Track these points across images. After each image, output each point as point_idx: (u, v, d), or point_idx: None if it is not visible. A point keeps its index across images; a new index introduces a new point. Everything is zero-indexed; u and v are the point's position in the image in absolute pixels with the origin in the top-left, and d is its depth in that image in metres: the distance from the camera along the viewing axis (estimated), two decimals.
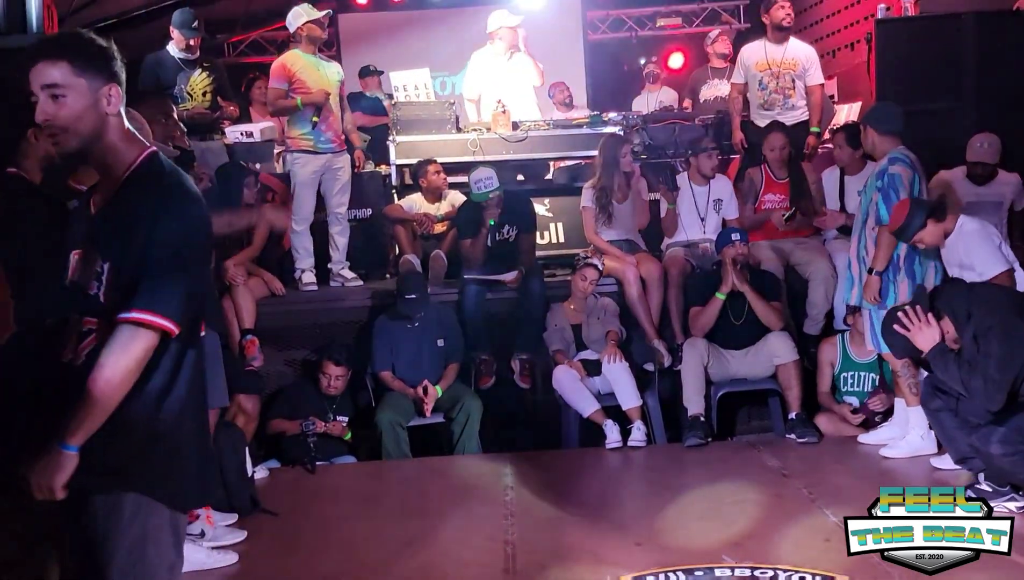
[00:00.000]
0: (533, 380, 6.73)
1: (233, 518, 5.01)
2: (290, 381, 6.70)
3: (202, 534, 4.61)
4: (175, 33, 7.25)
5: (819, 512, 4.82)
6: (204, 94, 7.33)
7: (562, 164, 8.82)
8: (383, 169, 8.24)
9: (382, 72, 9.71)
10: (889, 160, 5.57)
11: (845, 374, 6.25)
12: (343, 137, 7.46)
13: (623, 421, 6.17)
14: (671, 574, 4.11)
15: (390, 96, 8.74)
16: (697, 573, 4.11)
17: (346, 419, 6.28)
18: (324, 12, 7.34)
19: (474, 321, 6.70)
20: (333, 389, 6.27)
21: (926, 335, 4.72)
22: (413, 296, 6.42)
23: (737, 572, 4.10)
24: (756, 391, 6.44)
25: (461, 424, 6.26)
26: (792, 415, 6.08)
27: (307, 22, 7.23)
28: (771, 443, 6.16)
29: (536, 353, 6.70)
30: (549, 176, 8.73)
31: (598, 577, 4.15)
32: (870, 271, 5.58)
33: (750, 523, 4.72)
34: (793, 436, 6.04)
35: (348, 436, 6.26)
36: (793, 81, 7.70)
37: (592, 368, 6.33)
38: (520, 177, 8.62)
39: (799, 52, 7.76)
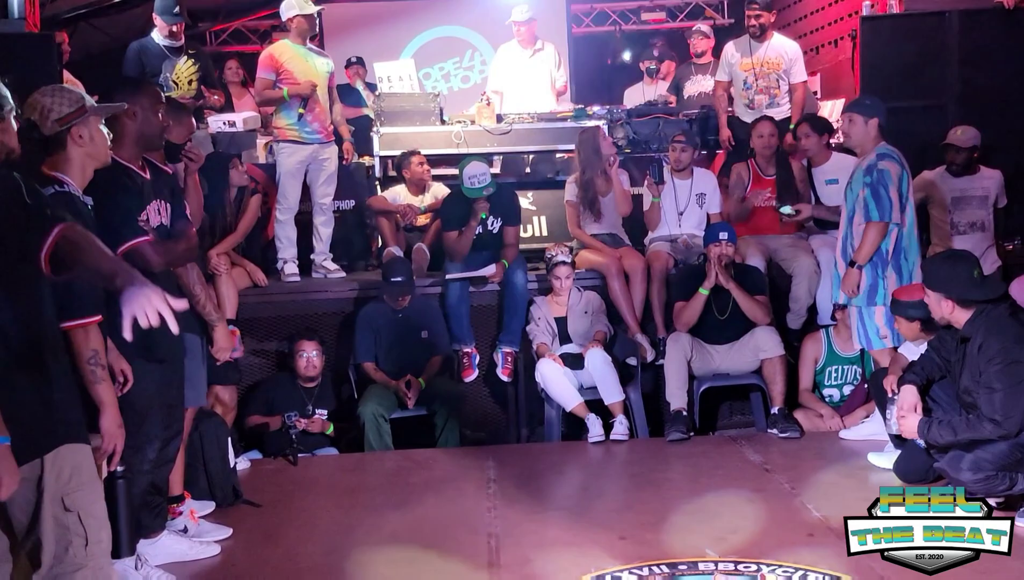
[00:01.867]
0: (515, 373, 6.72)
1: (210, 507, 4.98)
2: (269, 373, 6.66)
3: (185, 530, 4.58)
4: (158, 20, 7.17)
5: (802, 507, 4.84)
6: (190, 83, 7.25)
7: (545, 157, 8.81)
8: (366, 160, 8.21)
9: (363, 64, 9.69)
10: (878, 155, 5.53)
11: (829, 368, 6.32)
12: (330, 128, 7.41)
13: (605, 415, 6.17)
14: (654, 567, 4.11)
15: (373, 87, 8.70)
16: (680, 567, 4.11)
17: (326, 413, 6.24)
18: (318, 7, 7.28)
19: (457, 314, 6.68)
20: (312, 369, 6.22)
21: (909, 423, 4.72)
22: (399, 278, 6.40)
23: (720, 566, 4.11)
24: (738, 386, 6.45)
25: (444, 417, 6.25)
26: (775, 410, 6.09)
27: (297, 15, 7.18)
28: (753, 438, 6.17)
29: (519, 346, 6.70)
30: (551, 174, 8.68)
31: (581, 570, 4.14)
32: (851, 264, 5.57)
33: (733, 517, 4.73)
34: (775, 431, 6.04)
35: (330, 430, 6.23)
36: (778, 80, 7.73)
37: (574, 362, 6.33)
38: (528, 170, 8.61)
39: (782, 49, 7.78)
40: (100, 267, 2.63)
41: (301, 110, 7.10)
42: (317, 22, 7.44)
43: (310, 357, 6.23)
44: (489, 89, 8.75)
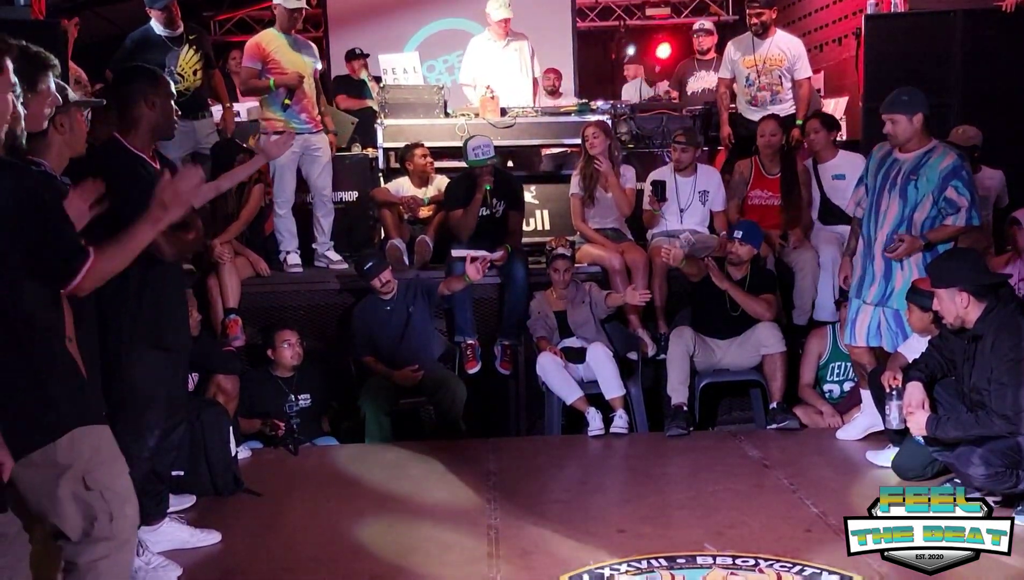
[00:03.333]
0: (515, 366, 6.74)
1: (190, 500, 4.97)
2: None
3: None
4: (151, 12, 7.09)
5: (800, 503, 4.85)
6: (195, 73, 7.22)
7: (549, 151, 8.82)
8: (370, 152, 8.21)
9: (367, 55, 9.67)
10: (959, 157, 5.31)
11: (833, 364, 6.34)
12: (319, 118, 7.32)
13: (606, 409, 6.18)
14: (653, 561, 4.14)
15: (377, 79, 8.70)
16: (679, 560, 4.14)
17: (309, 397, 6.22)
18: (300, 4, 7.11)
19: (461, 305, 6.69)
20: (297, 357, 6.19)
21: (918, 419, 4.72)
22: (370, 262, 6.44)
23: (719, 560, 4.13)
24: (738, 382, 6.47)
25: (445, 408, 6.26)
26: (773, 405, 6.12)
27: (278, 4, 7.11)
28: (752, 434, 6.19)
29: (518, 339, 6.71)
30: (545, 167, 8.68)
31: (580, 562, 4.16)
32: (928, 246, 5.28)
33: (732, 512, 4.75)
34: (774, 424, 6.07)
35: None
36: (780, 77, 7.74)
37: (575, 356, 6.34)
38: (510, 164, 8.63)
39: (786, 46, 7.78)
40: None
41: (287, 101, 7.01)
42: (298, 18, 7.22)
43: (294, 346, 6.22)
44: (461, 81, 8.70)
